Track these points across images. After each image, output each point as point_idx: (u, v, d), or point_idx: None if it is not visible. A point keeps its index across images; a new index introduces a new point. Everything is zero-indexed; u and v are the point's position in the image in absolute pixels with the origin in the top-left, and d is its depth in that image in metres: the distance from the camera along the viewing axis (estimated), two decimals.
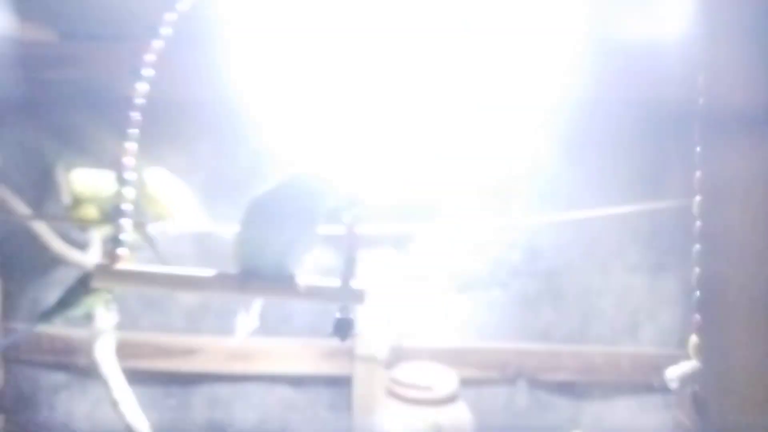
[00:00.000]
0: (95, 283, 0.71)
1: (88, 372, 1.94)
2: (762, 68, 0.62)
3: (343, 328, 0.74)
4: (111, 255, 0.71)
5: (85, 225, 1.67)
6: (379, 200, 0.77)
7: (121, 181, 0.72)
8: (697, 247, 0.63)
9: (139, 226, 1.58)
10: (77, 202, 1.66)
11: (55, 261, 1.89)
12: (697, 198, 0.64)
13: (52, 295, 1.93)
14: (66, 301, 1.45)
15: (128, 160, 0.72)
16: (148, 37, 1.71)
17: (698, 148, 0.64)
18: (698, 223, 0.63)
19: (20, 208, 1.62)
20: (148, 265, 0.73)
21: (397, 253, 1.88)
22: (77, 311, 1.48)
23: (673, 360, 1.75)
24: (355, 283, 0.73)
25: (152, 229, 1.44)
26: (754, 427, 0.86)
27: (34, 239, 1.80)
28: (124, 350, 1.63)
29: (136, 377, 1.61)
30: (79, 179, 1.51)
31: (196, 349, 1.93)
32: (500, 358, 1.96)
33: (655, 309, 2.00)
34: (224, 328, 1.95)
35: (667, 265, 1.98)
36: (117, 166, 0.72)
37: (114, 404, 1.31)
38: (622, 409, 2.03)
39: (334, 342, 1.88)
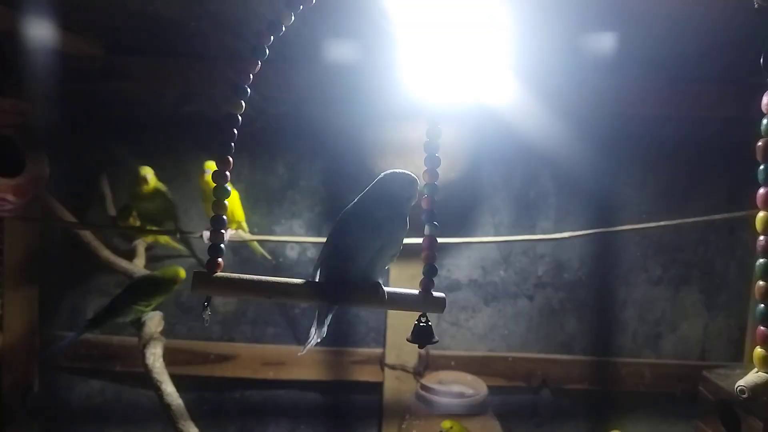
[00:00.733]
0: (195, 291, 0.76)
1: (125, 379, 2.00)
2: None
3: (424, 336, 0.79)
4: (210, 263, 0.76)
5: (134, 234, 1.72)
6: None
7: (219, 192, 0.77)
8: (761, 261, 0.66)
9: (179, 233, 1.63)
10: (123, 212, 1.72)
11: (92, 269, 1.95)
12: (761, 214, 0.67)
13: (89, 303, 1.99)
14: (115, 308, 1.50)
15: (227, 172, 0.76)
16: (189, 53, 1.79)
17: (761, 166, 0.68)
18: (761, 238, 0.67)
19: (66, 216, 1.66)
20: (244, 274, 0.77)
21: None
22: (126, 318, 1.53)
23: (695, 371, 1.82)
24: (435, 292, 0.78)
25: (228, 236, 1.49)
26: None
27: (74, 248, 1.85)
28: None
29: (173, 383, 1.65)
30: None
31: (230, 355, 1.98)
32: (526, 368, 2.01)
33: (677, 321, 2.05)
34: (258, 336, 2.01)
35: (690, 279, 2.03)
36: (215, 177, 0.76)
37: (166, 408, 1.35)
38: (645, 419, 2.07)
39: (364, 350, 1.96)
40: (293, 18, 0.75)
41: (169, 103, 1.90)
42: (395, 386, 1.97)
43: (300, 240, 1.87)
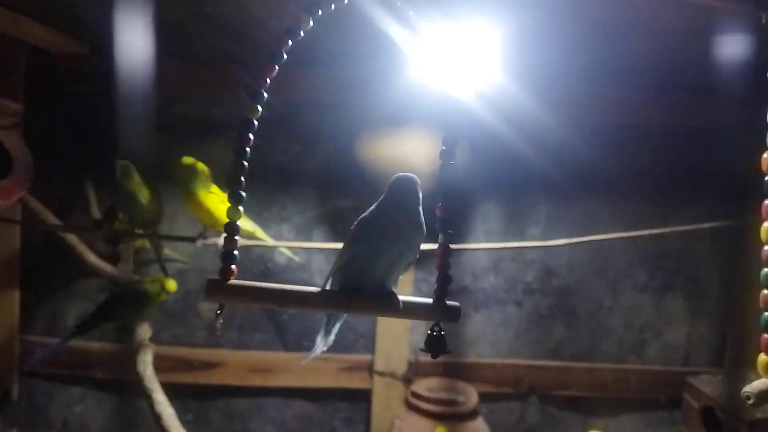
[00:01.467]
0: (207, 299, 0.74)
1: (107, 386, 1.94)
2: None
3: (437, 345, 0.78)
4: (224, 270, 0.74)
5: (117, 238, 1.68)
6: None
7: (234, 198, 0.75)
8: (766, 270, 0.68)
9: (155, 237, 1.59)
10: (108, 215, 1.68)
11: (75, 273, 1.89)
12: (765, 225, 0.69)
13: (71, 309, 1.93)
14: (102, 315, 1.46)
15: (242, 178, 0.75)
16: (179, 55, 1.76)
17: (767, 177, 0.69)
18: (766, 248, 0.68)
19: (49, 219, 1.62)
20: (258, 281, 0.75)
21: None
22: (112, 325, 1.49)
23: (679, 377, 1.85)
24: (449, 301, 0.78)
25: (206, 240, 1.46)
26: None
27: (56, 251, 1.80)
28: None
29: None
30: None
31: (216, 362, 1.94)
32: (514, 374, 2.02)
33: (661, 328, 2.08)
34: (245, 342, 1.98)
35: (674, 286, 2.07)
36: (231, 184, 0.75)
37: (157, 418, 1.32)
38: (630, 424, 2.10)
39: (353, 356, 1.95)
40: (311, 23, 0.74)
41: (157, 105, 1.86)
42: (384, 393, 1.96)
43: (291, 245, 1.85)
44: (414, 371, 1.95)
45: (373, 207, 0.80)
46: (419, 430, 1.77)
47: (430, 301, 0.79)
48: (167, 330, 1.95)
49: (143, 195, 1.45)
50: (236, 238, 0.76)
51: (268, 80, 0.73)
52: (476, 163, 1.83)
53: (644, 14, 1.23)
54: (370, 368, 1.96)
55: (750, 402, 0.65)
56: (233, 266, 0.75)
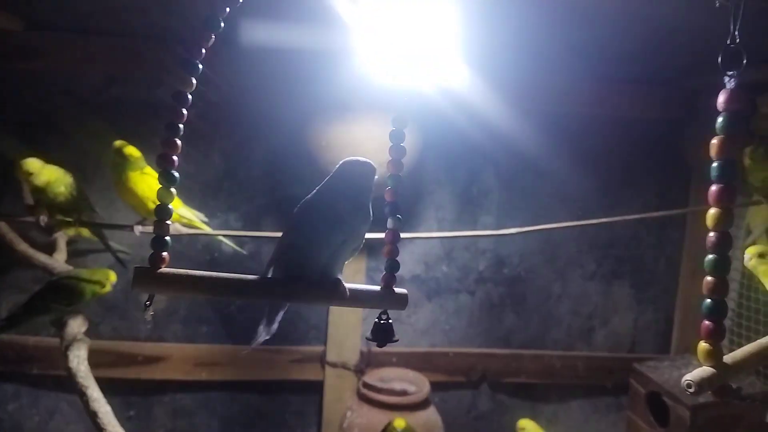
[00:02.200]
0: (136, 288, 0.68)
1: (43, 382, 1.84)
2: None
3: (384, 334, 0.75)
4: (154, 258, 0.69)
5: (52, 225, 1.58)
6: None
7: (167, 179, 0.70)
8: (710, 257, 0.67)
9: (93, 224, 1.50)
10: (39, 201, 1.57)
11: (7, 264, 1.78)
12: (712, 210, 0.67)
13: (3, 300, 1.82)
14: (34, 307, 1.37)
15: (174, 157, 0.70)
16: (116, 32, 1.66)
17: (714, 164, 0.68)
18: (711, 234, 0.67)
19: None
20: (193, 269, 0.70)
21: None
22: (46, 317, 1.40)
23: (625, 363, 1.88)
24: (397, 288, 0.75)
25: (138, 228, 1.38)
26: None
27: None
28: None
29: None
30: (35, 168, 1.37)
31: (160, 356, 1.87)
32: (466, 363, 2.02)
33: (608, 315, 2.12)
34: (190, 335, 1.91)
35: (621, 273, 2.10)
36: (161, 163, 0.69)
37: (92, 416, 1.25)
38: (578, 410, 2.13)
39: (304, 348, 1.90)
40: None
41: (93, 85, 1.76)
42: (336, 384, 1.92)
43: (238, 234, 1.79)
44: (366, 362, 1.92)
45: (315, 190, 0.76)
46: (371, 420, 1.74)
47: (377, 288, 0.76)
48: (107, 323, 1.86)
49: (52, 183, 1.34)
50: (168, 222, 0.71)
51: (204, 50, 0.68)
52: (429, 150, 1.81)
53: (595, 2, 1.22)
54: (321, 359, 1.92)
55: (691, 390, 0.64)
56: (164, 253, 0.69)
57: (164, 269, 0.69)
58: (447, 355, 2.01)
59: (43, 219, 1.38)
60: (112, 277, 1.43)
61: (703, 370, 0.65)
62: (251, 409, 1.95)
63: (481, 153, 1.94)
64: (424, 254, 1.99)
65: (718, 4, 0.73)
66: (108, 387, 1.50)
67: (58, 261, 1.54)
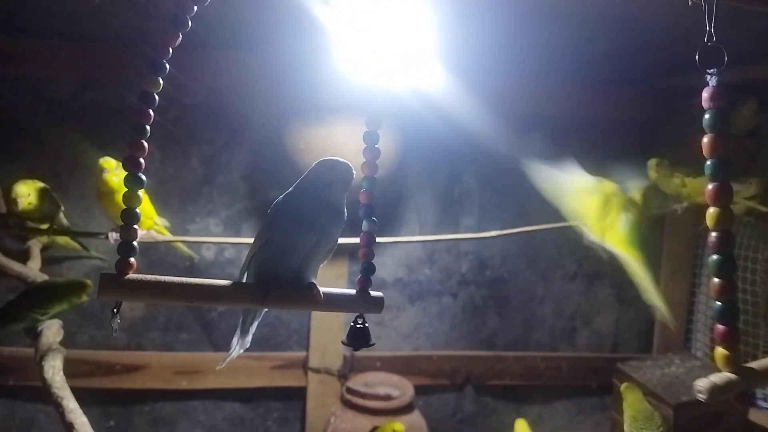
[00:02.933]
0: (101, 295, 0.66)
1: (19, 394, 1.80)
2: None
3: (360, 338, 0.74)
4: (121, 263, 0.67)
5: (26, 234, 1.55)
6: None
7: (133, 181, 0.68)
8: (714, 257, 0.64)
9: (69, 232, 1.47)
10: (10, 210, 1.54)
11: None
12: (711, 209, 0.65)
13: None
14: (7, 315, 1.33)
15: (141, 159, 0.68)
16: (91, 37, 1.63)
17: (708, 162, 0.67)
18: (713, 234, 0.64)
19: None
20: (163, 275, 0.68)
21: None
22: (19, 326, 1.36)
23: (608, 363, 1.88)
24: (372, 291, 0.74)
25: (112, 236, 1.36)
26: None
27: None
28: None
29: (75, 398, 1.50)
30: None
31: (139, 365, 1.83)
32: (450, 366, 2.01)
33: (590, 315, 2.12)
34: (170, 343, 1.88)
35: (602, 274, 2.11)
36: (128, 165, 0.68)
37: (68, 427, 1.21)
38: (563, 410, 2.13)
39: (286, 354, 1.88)
40: None
41: (67, 89, 1.73)
42: (319, 390, 1.90)
43: (217, 241, 1.76)
44: (350, 367, 1.91)
45: (287, 191, 0.74)
46: (355, 426, 1.72)
47: (353, 292, 0.75)
48: (84, 332, 1.82)
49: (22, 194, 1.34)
50: (135, 227, 0.69)
51: (170, 49, 0.66)
52: (410, 153, 1.80)
53: (572, 3, 1.22)
54: (304, 365, 1.90)
55: (702, 397, 0.60)
56: (131, 259, 0.67)
57: (132, 275, 0.67)
58: (431, 358, 2.00)
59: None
60: (89, 286, 1.40)
61: (715, 377, 0.60)
62: (233, 417, 1.93)
63: (461, 155, 1.94)
64: (406, 257, 1.98)
65: (690, 3, 0.73)
66: (87, 397, 1.47)
67: (33, 269, 1.50)
